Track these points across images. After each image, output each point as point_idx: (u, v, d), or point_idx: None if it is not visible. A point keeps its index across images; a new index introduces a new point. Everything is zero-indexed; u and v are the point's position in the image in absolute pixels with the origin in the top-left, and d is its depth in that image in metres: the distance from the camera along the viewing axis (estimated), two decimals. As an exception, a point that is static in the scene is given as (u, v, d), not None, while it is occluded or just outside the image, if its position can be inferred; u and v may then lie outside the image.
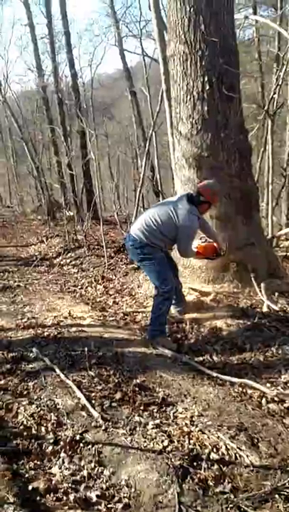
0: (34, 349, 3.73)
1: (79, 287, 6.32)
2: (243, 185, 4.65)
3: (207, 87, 4.38)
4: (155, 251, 3.88)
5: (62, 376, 3.19)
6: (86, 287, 6.23)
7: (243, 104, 5.37)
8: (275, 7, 12.76)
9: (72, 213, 11.80)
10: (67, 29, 13.67)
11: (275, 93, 6.51)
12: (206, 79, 4.37)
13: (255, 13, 13.28)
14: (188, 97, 4.49)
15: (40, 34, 15.19)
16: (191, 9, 4.32)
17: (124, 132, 23.17)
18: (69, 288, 6.35)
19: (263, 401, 2.84)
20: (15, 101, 18.21)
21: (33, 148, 15.56)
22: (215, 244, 4.09)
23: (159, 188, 12.15)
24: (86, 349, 3.48)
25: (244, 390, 2.99)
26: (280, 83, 6.28)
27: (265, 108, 6.38)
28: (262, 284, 4.33)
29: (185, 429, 2.52)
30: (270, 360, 3.38)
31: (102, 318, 4.69)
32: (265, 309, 4.09)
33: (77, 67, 15.19)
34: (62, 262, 8.21)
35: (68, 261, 8.21)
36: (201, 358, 3.57)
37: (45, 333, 4.20)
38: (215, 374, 3.19)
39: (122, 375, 3.21)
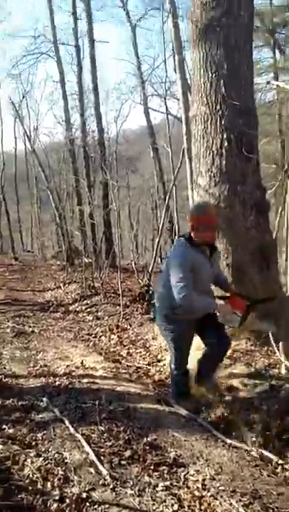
0: (45, 399, 3.67)
1: (93, 336, 6.28)
2: (260, 237, 4.70)
3: (226, 144, 4.57)
4: (176, 320, 3.50)
5: (71, 429, 3.11)
6: (100, 336, 6.19)
7: (263, 163, 5.60)
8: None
9: (90, 260, 11.97)
10: (96, 87, 14.58)
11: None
12: (224, 136, 4.58)
13: (276, 77, 14.03)
14: (208, 153, 4.69)
15: (70, 90, 16.21)
16: (213, 75, 4.60)
17: (146, 185, 23.89)
18: (83, 336, 6.31)
19: (279, 468, 2.69)
20: (43, 151, 19.17)
21: (58, 196, 16.13)
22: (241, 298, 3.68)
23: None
24: (97, 402, 3.41)
25: (259, 455, 2.85)
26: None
27: (285, 169, 6.55)
28: (280, 344, 4.23)
29: (196, 493, 2.39)
30: (286, 425, 3.23)
31: (114, 370, 4.61)
32: (283, 370, 3.96)
33: (104, 123, 16.03)
34: (77, 309, 8.22)
35: (84, 308, 8.22)
36: (215, 419, 3.44)
37: (57, 383, 4.14)
38: (229, 441, 3.06)
39: (133, 432, 3.10)
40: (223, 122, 4.59)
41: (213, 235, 3.65)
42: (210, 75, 4.63)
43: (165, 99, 14.32)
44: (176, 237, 3.58)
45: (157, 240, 10.63)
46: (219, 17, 4.52)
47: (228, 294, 3.85)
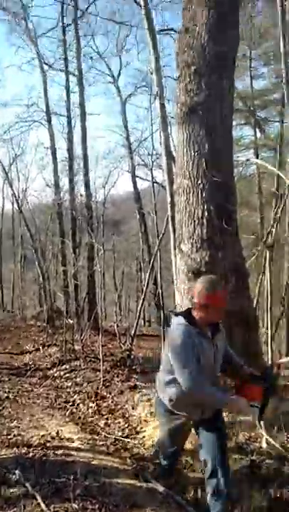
0: (17, 471, 3.48)
1: (70, 404, 6.06)
2: (241, 301, 4.93)
3: (206, 214, 4.94)
4: (174, 414, 3.09)
5: (42, 505, 2.93)
6: (78, 404, 5.99)
7: (244, 234, 5.96)
8: (275, 149, 14.48)
9: (72, 321, 11.82)
10: (85, 155, 15.28)
11: (273, 227, 7.02)
12: (205, 207, 4.94)
13: (257, 154, 15.00)
14: (190, 222, 5.04)
15: (60, 156, 16.92)
16: (196, 153, 5.03)
17: (130, 247, 24.36)
18: (60, 404, 6.09)
19: None
20: (30, 212, 19.57)
21: (42, 256, 16.24)
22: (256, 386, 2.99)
23: (161, 302, 12.25)
24: (72, 477, 3.25)
25: None
26: (277, 220, 6.82)
27: (264, 240, 6.82)
28: (262, 417, 4.17)
29: None
30: (268, 504, 3.12)
31: (91, 441, 4.42)
32: (264, 444, 3.88)
33: (92, 188, 16.63)
34: (56, 374, 7.97)
35: (62, 373, 7.99)
36: (194, 497, 3.29)
37: (30, 454, 3.94)
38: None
39: (109, 510, 2.94)
40: (203, 195, 4.97)
41: (221, 316, 3.06)
42: (192, 153, 5.06)
43: (151, 169, 15.12)
44: (173, 315, 3.03)
45: (141, 302, 10.66)
46: (202, 102, 5.01)
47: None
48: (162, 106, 6.95)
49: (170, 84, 11.42)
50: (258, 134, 15.41)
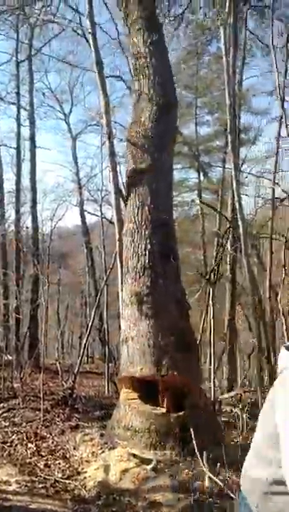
0: None
1: (8, 444, 5.71)
2: (182, 324, 5.55)
3: (149, 247, 5.71)
4: None
5: None
6: (16, 445, 5.65)
7: (187, 272, 6.46)
8: (217, 192, 15.33)
9: (11, 358, 11.30)
10: (34, 187, 15.26)
11: (216, 265, 7.36)
12: (148, 242, 5.75)
13: (200, 195, 15.74)
14: (134, 255, 5.79)
15: (8, 188, 16.71)
16: (140, 203, 5.97)
17: (77, 281, 24.04)
18: (-3, 445, 5.74)
19: None
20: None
21: (-18, 288, 15.56)
22: None
23: (106, 337, 12.15)
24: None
25: None
26: (220, 258, 7.16)
27: (207, 277, 7.11)
28: (204, 454, 4.21)
29: None
30: None
31: (30, 484, 4.20)
32: (206, 483, 3.90)
33: (39, 220, 16.45)
34: (-8, 413, 7.52)
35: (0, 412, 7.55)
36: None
37: None
38: None
39: None
40: (146, 233, 5.81)
41: None
42: (137, 203, 6.01)
43: (100, 205, 15.23)
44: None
45: (86, 337, 10.49)
46: (145, 168, 6.07)
47: None
48: (111, 145, 7.20)
49: (119, 125, 11.88)
50: (202, 178, 16.27)
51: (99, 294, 10.48)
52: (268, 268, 9.18)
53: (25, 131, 15.91)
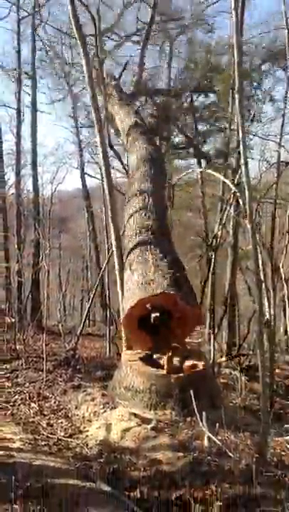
0: None
1: (11, 404, 5.86)
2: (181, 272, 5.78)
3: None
4: None
5: (-18, 509, 2.83)
6: (19, 405, 5.79)
7: (191, 236, 6.62)
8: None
9: (13, 320, 11.46)
10: (34, 149, 14.97)
11: (219, 230, 7.27)
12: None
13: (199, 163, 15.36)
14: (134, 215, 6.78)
15: (7, 149, 16.37)
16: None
17: (78, 245, 24.02)
18: (0, 404, 5.87)
19: None
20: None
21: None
22: None
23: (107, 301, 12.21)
24: (13, 478, 3.15)
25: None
26: (223, 223, 7.06)
27: (209, 243, 7.04)
28: (203, 414, 4.29)
29: None
30: (207, 499, 3.20)
31: (33, 442, 4.32)
32: (206, 442, 3.99)
33: (40, 183, 16.22)
34: (-4, 374, 7.68)
35: (2, 373, 7.70)
36: (138, 495, 3.31)
37: None
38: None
39: (51, 511, 2.89)
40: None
41: None
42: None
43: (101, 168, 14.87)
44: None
45: (90, 301, 10.57)
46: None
47: None
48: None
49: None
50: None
51: (106, 261, 10.43)
52: (270, 233, 9.09)
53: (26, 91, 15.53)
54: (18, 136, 15.24)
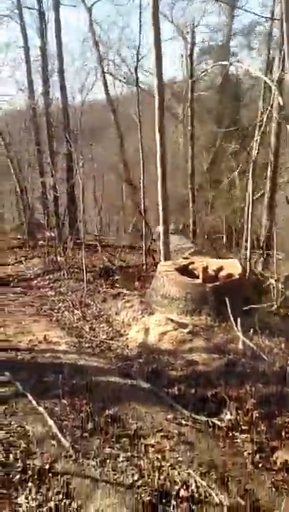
0: (6, 373, 3.66)
1: (55, 311, 6.25)
2: None
3: None
4: None
5: (34, 403, 3.13)
6: (63, 311, 6.18)
7: None
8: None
9: (53, 234, 11.77)
10: (60, 53, 14.01)
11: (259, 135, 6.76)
12: None
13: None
14: None
15: (34, 56, 15.40)
16: None
17: (110, 159, 23.45)
18: (45, 311, 6.27)
19: (238, 440, 2.84)
20: (2, 119, 18.22)
21: (18, 167, 15.53)
22: None
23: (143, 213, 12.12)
24: (60, 376, 3.44)
25: (216, 427, 2.99)
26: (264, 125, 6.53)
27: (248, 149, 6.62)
28: (238, 319, 4.40)
29: (156, 463, 2.50)
30: (241, 397, 3.40)
31: (77, 344, 4.65)
32: (240, 345, 4.14)
33: (68, 92, 15.44)
34: (40, 284, 8.12)
35: (46, 283, 8.13)
36: (176, 392, 3.56)
37: (19, 357, 4.13)
38: (187, 413, 3.17)
39: (95, 405, 3.17)
40: None
41: None
42: None
43: (136, 69, 13.60)
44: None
45: (134, 219, 10.43)
46: None
47: None
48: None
49: None
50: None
51: (142, 176, 10.11)
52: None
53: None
54: (42, 37, 14.13)
